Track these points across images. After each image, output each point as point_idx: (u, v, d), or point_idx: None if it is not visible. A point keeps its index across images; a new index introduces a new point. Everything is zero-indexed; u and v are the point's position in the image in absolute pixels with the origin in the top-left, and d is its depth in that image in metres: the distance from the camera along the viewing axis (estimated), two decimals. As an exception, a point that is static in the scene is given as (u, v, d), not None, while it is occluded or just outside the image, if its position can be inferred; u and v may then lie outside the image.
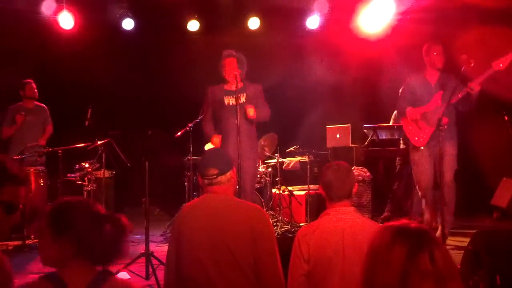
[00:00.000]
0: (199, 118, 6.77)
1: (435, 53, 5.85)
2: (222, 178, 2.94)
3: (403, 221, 1.71)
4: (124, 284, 2.04)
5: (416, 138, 5.87)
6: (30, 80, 7.47)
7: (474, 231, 4.40)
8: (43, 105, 7.62)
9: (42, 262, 2.00)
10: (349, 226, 2.85)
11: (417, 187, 6.08)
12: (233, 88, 5.79)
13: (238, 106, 5.58)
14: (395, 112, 7.77)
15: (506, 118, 7.56)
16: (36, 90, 7.47)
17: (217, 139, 5.88)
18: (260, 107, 5.94)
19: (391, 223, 1.72)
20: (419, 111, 5.83)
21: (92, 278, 1.95)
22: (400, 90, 6.38)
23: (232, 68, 5.83)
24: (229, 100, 5.88)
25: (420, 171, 5.91)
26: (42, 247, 2.02)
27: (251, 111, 5.74)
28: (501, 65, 5.31)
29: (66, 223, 1.96)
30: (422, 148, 5.84)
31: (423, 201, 6.08)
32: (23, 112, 7.27)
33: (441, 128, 5.25)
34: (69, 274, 1.94)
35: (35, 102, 7.53)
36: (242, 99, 5.81)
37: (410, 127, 5.92)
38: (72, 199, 2.07)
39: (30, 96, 7.41)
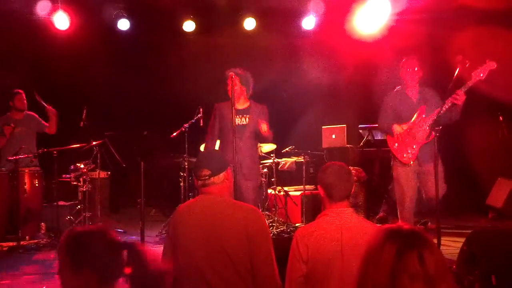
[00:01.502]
0: (194, 119, 6.77)
1: (409, 69, 5.68)
2: (215, 179, 2.94)
3: (398, 223, 1.72)
4: None
5: (404, 155, 5.66)
6: (20, 91, 7.30)
7: (470, 231, 4.42)
8: (32, 113, 7.47)
9: None
10: (347, 227, 2.84)
11: (397, 204, 5.81)
12: (240, 107, 5.65)
13: (236, 126, 5.42)
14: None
15: (501, 118, 7.59)
16: (25, 101, 7.32)
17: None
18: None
19: (386, 225, 1.73)
20: (404, 128, 5.69)
21: None
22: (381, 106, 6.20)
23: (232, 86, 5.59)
24: (236, 120, 5.62)
25: (404, 191, 5.67)
26: (64, 281, 1.98)
27: (264, 127, 5.53)
28: (481, 74, 5.25)
29: (84, 256, 1.94)
30: (410, 164, 5.69)
31: (400, 213, 5.86)
32: (12, 123, 7.13)
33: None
34: None
35: (24, 112, 7.42)
36: (246, 120, 5.66)
37: (396, 145, 5.74)
38: (85, 229, 2.05)
39: (19, 107, 7.26)
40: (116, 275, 1.96)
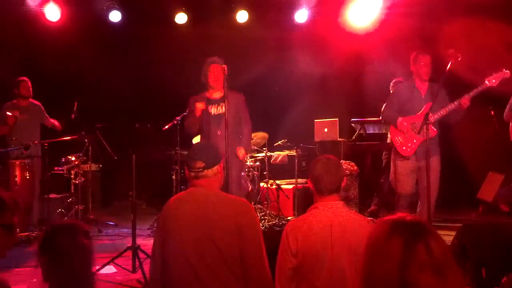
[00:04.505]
0: (187, 111, 6.74)
1: (422, 63, 5.66)
2: (208, 172, 2.93)
3: (400, 215, 1.71)
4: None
5: (404, 148, 5.70)
6: (25, 78, 7.32)
7: (460, 224, 4.44)
8: (37, 102, 7.48)
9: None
10: (338, 220, 2.84)
11: (397, 192, 5.92)
12: (217, 97, 5.68)
13: (225, 109, 5.32)
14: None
15: (492, 113, 7.60)
16: (30, 89, 7.34)
17: (200, 104, 5.65)
18: (242, 119, 5.81)
19: (388, 216, 1.72)
20: (409, 120, 5.70)
21: None
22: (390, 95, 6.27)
23: (218, 73, 5.63)
24: (212, 110, 5.71)
25: (402, 181, 5.76)
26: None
27: (241, 153, 5.68)
28: (493, 81, 5.33)
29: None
30: (409, 157, 5.72)
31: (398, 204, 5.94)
32: (18, 110, 7.14)
33: (427, 138, 5.22)
34: None
35: (30, 99, 7.42)
36: (222, 108, 5.55)
37: (399, 138, 5.75)
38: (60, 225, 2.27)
39: (24, 95, 7.29)
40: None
